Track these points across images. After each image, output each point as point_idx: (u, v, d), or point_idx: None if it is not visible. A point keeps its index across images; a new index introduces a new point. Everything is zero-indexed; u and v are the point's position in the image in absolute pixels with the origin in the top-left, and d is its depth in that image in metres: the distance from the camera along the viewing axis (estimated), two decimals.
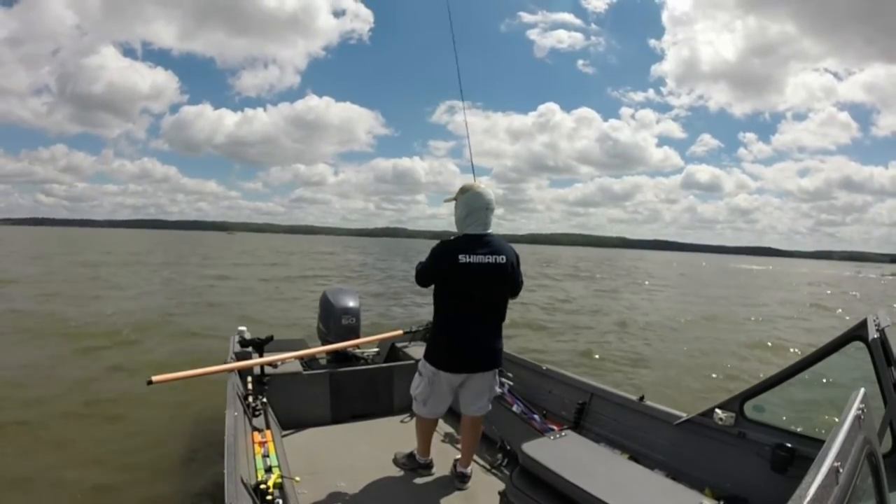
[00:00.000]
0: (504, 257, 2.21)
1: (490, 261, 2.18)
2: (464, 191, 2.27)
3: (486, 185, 2.29)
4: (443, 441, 2.88)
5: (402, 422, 3.16)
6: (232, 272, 19.77)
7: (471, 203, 2.22)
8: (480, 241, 2.19)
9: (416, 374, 2.41)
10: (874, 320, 1.74)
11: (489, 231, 2.24)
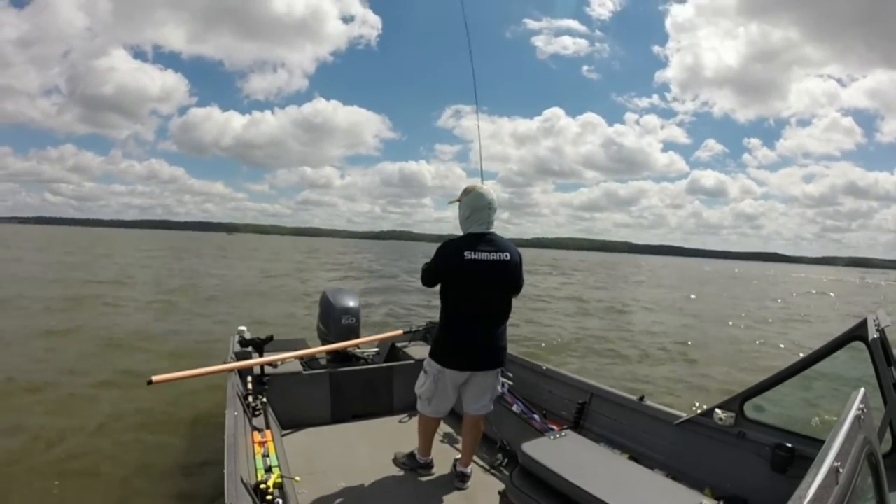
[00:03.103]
0: (508, 254, 2.24)
1: (495, 258, 2.21)
2: (467, 192, 2.32)
3: (489, 187, 2.34)
4: (443, 441, 2.88)
5: (402, 422, 3.16)
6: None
7: (473, 203, 2.27)
8: (484, 239, 2.24)
9: (422, 373, 2.42)
10: (874, 320, 1.73)
11: (492, 230, 2.29)
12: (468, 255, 2.18)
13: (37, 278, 13.69)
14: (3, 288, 11.28)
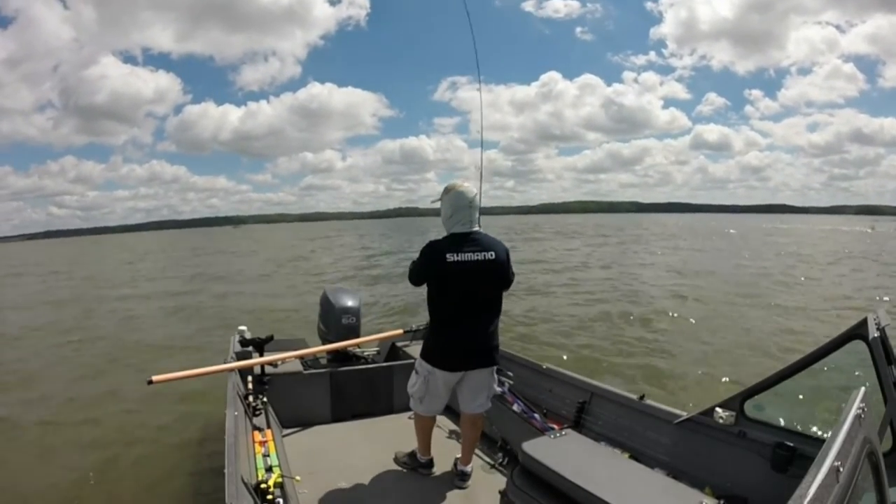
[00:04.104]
0: (493, 253, 2.24)
1: (479, 258, 2.21)
2: (447, 191, 2.31)
3: (469, 184, 2.33)
4: (444, 440, 2.88)
5: (402, 421, 3.15)
6: None
7: (454, 202, 2.26)
8: (467, 240, 2.23)
9: (413, 373, 2.43)
10: (874, 319, 1.73)
11: (476, 228, 2.28)
12: (451, 256, 2.17)
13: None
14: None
